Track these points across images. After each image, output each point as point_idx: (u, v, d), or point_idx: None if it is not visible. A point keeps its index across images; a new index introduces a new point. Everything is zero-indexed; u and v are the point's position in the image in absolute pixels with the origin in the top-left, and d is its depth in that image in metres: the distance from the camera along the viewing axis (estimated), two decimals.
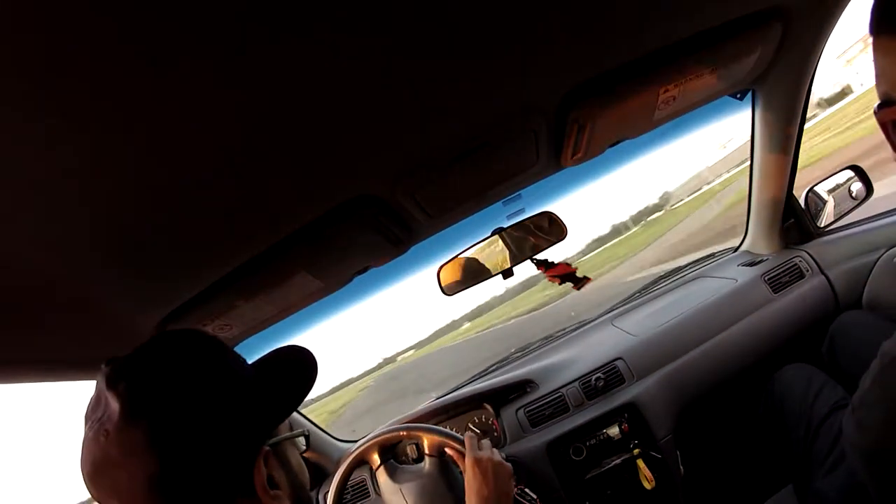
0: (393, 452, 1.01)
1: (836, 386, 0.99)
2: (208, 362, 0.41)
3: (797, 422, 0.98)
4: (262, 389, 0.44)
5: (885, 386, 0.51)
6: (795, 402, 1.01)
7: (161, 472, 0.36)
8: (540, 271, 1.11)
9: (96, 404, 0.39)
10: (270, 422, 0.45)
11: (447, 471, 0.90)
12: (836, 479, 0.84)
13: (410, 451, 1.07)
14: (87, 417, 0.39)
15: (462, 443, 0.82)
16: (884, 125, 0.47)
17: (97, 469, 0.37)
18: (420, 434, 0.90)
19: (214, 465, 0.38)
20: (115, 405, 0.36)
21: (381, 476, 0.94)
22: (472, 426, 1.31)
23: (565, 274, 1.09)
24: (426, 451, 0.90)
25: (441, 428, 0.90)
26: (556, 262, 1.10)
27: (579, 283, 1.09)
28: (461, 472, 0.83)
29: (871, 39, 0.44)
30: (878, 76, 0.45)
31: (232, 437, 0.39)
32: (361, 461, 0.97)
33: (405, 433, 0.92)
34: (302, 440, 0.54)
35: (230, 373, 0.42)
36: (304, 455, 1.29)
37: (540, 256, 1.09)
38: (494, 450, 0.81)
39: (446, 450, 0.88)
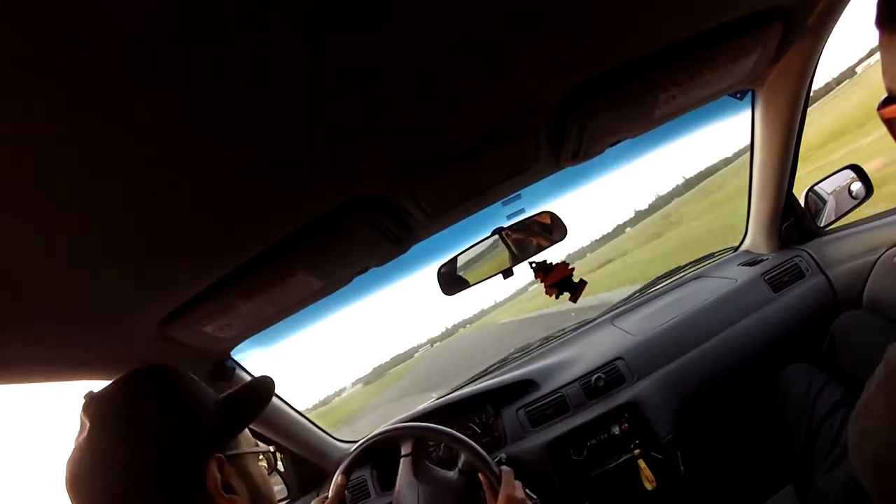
0: (425, 447, 0.99)
1: (837, 386, 0.98)
2: (161, 389, 0.51)
3: (798, 421, 0.98)
4: (216, 413, 0.54)
5: (889, 392, 0.50)
6: (796, 402, 1.01)
7: (117, 475, 0.45)
8: (538, 279, 1.10)
9: (79, 431, 0.48)
10: (219, 437, 0.53)
11: (471, 492, 0.87)
12: (837, 477, 0.83)
13: (444, 450, 1.05)
14: (74, 440, 0.48)
15: (498, 475, 0.82)
16: (887, 122, 0.46)
17: (75, 478, 0.45)
18: (462, 448, 0.87)
19: (164, 468, 0.46)
20: (87, 424, 0.46)
21: (406, 465, 0.92)
22: (473, 426, 1.31)
23: (562, 279, 1.07)
24: (460, 465, 0.87)
25: (484, 452, 0.87)
26: (553, 262, 1.09)
27: (575, 290, 1.08)
28: (483, 498, 0.82)
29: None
30: (883, 71, 0.44)
31: (178, 445, 0.48)
32: (389, 443, 0.94)
33: (448, 439, 0.89)
34: (269, 458, 0.63)
35: (181, 397, 0.52)
36: (303, 457, 1.30)
37: (538, 259, 1.09)
38: (527, 490, 0.80)
39: (479, 475, 0.85)
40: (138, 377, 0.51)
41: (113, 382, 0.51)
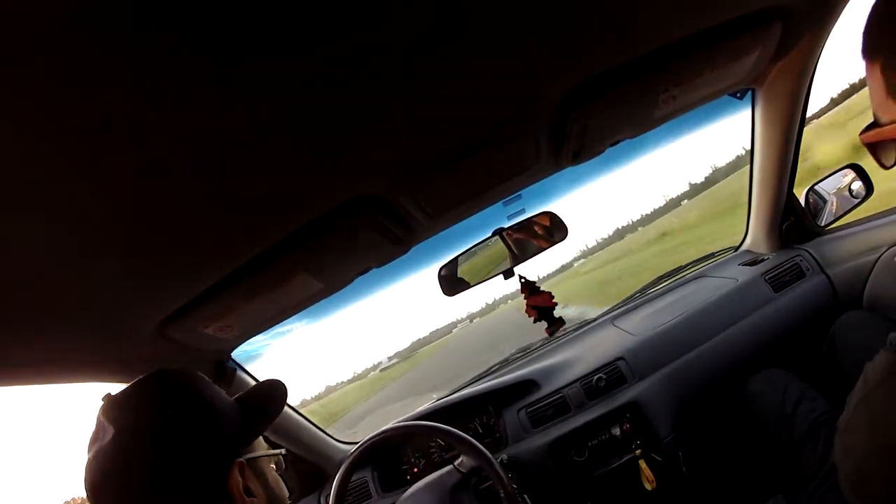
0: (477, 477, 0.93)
1: (816, 397, 0.98)
2: (184, 395, 0.51)
3: (777, 429, 0.98)
4: (233, 418, 0.54)
5: (868, 410, 0.51)
6: (772, 410, 1.00)
7: (148, 479, 0.45)
8: (522, 294, 1.11)
9: (96, 433, 0.47)
10: (238, 442, 0.53)
11: None
12: (830, 496, 0.83)
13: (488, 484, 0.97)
14: (90, 446, 0.48)
15: None
16: (868, 146, 0.47)
17: (97, 482, 0.45)
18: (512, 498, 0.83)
19: (191, 474, 0.47)
20: (110, 430, 0.46)
21: (450, 477, 0.89)
22: (474, 427, 1.31)
23: (545, 308, 1.08)
24: None
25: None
26: (541, 288, 1.10)
27: (553, 323, 1.09)
28: None
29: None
30: (871, 97, 0.45)
31: (203, 452, 0.49)
32: (448, 441, 0.91)
33: (505, 492, 0.83)
34: (279, 459, 0.63)
35: (204, 403, 0.52)
36: (303, 457, 1.30)
37: (529, 277, 1.09)
38: (525, 496, 0.79)
39: None
40: (160, 382, 0.51)
41: (132, 386, 0.50)
